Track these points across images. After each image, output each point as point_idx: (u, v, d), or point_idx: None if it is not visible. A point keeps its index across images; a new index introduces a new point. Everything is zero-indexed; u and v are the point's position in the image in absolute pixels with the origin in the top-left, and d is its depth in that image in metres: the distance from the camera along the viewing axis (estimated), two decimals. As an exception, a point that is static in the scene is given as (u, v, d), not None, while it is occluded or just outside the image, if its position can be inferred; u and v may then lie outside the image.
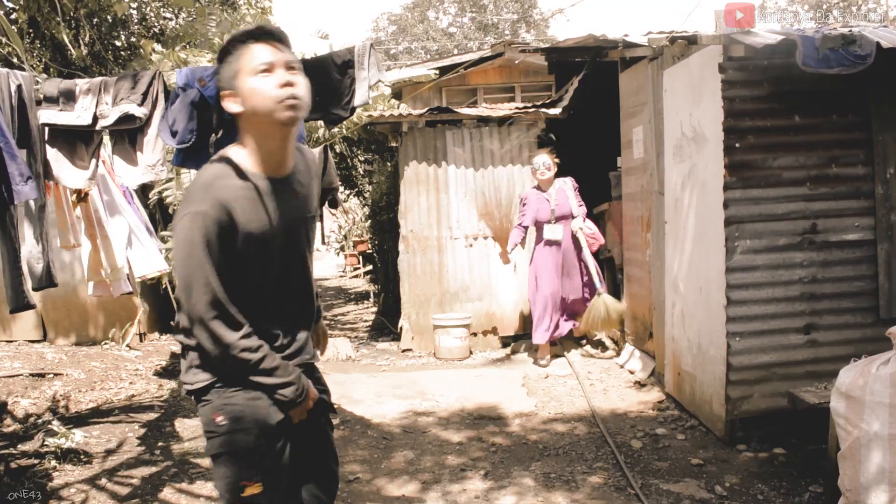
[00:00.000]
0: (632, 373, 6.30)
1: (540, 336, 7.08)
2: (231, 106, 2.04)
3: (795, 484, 3.95)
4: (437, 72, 10.47)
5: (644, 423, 5.10)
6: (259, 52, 2.00)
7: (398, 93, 11.73)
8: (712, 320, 4.60)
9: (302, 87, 2.02)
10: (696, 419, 4.98)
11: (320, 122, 7.79)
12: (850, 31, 3.96)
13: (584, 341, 7.54)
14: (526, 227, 7.14)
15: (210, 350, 2.02)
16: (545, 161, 6.99)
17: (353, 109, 3.96)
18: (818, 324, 4.46)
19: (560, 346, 7.43)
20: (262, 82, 1.98)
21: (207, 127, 3.74)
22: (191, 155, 3.79)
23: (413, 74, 8.34)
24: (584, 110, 8.08)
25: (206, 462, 4.54)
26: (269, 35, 2.03)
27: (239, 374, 2.07)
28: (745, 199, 4.40)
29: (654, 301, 5.95)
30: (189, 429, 5.33)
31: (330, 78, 3.88)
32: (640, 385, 6.02)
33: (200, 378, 2.11)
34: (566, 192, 7.07)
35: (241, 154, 2.08)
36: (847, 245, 4.47)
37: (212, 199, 1.97)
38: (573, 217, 7.02)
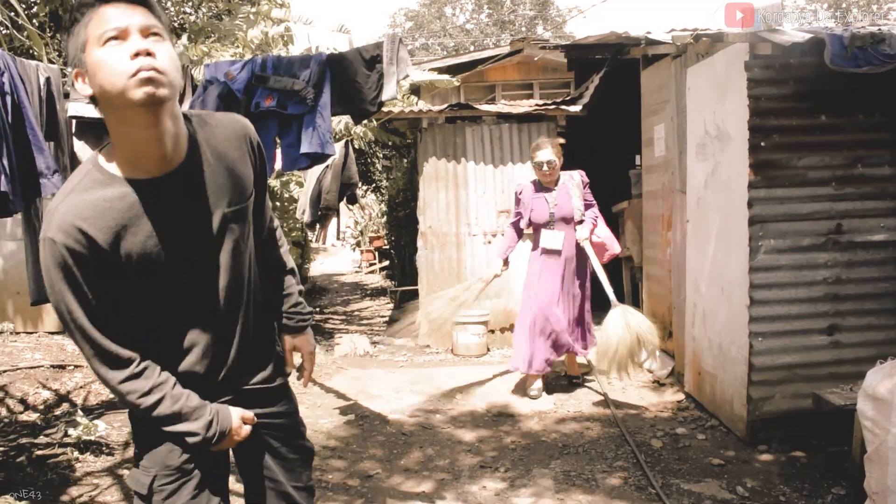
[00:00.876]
0: (651, 372, 6.27)
1: (519, 361, 5.77)
2: (81, 87, 1.59)
3: (818, 486, 3.92)
4: (458, 79, 10.48)
5: (664, 423, 5.08)
6: (108, 16, 1.54)
7: (416, 89, 11.75)
8: (734, 320, 4.57)
9: (164, 56, 1.55)
10: (716, 419, 4.96)
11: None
12: (879, 29, 3.92)
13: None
14: (520, 229, 5.86)
15: (110, 390, 1.73)
16: (550, 160, 5.56)
17: (381, 104, 3.95)
18: (841, 325, 4.43)
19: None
20: (109, 53, 1.52)
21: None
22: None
23: (433, 78, 8.33)
24: (604, 108, 8.05)
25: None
26: None
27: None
28: (769, 199, 4.37)
29: (674, 300, 5.92)
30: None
31: (358, 73, 3.88)
32: (660, 384, 6.00)
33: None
34: (569, 189, 5.67)
35: (109, 155, 1.65)
36: (872, 246, 4.43)
37: (60, 222, 1.57)
38: (578, 221, 5.67)
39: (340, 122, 8.15)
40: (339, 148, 8.22)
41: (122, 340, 1.68)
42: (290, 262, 2.16)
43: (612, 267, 7.41)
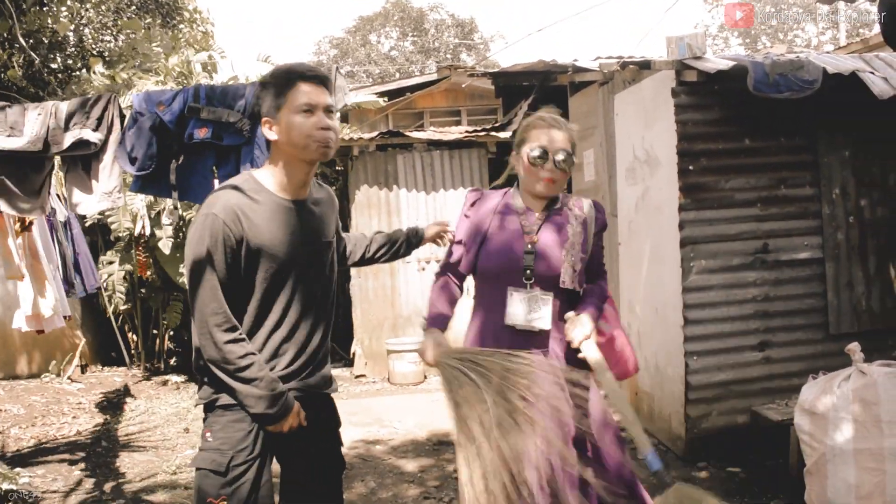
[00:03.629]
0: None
1: None
2: (268, 133, 2.19)
3: (757, 500, 4.00)
4: (385, 98, 10.48)
5: (604, 444, 5.11)
6: (305, 92, 2.14)
7: (344, 116, 11.70)
8: (669, 340, 4.66)
9: (336, 131, 2.20)
10: (655, 438, 5.02)
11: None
12: (798, 56, 4.10)
13: None
14: (457, 279, 2.83)
15: (206, 350, 2.10)
16: (563, 150, 2.66)
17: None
18: (772, 341, 4.56)
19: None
20: (303, 121, 2.13)
21: (168, 152, 3.64)
22: (150, 181, 3.68)
23: (361, 100, 8.32)
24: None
25: (159, 498, 4.39)
26: (316, 78, 2.17)
27: (223, 378, 2.12)
28: (699, 221, 4.49)
29: (608, 322, 5.99)
30: (139, 464, 5.15)
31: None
32: (597, 406, 6.03)
33: (206, 394, 2.21)
34: (571, 224, 2.70)
35: (265, 174, 2.23)
36: (797, 264, 4.59)
37: (224, 204, 2.10)
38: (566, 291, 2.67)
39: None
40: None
41: (235, 311, 2.12)
42: (371, 234, 2.89)
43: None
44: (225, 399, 2.16)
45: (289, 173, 2.21)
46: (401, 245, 2.82)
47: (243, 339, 2.12)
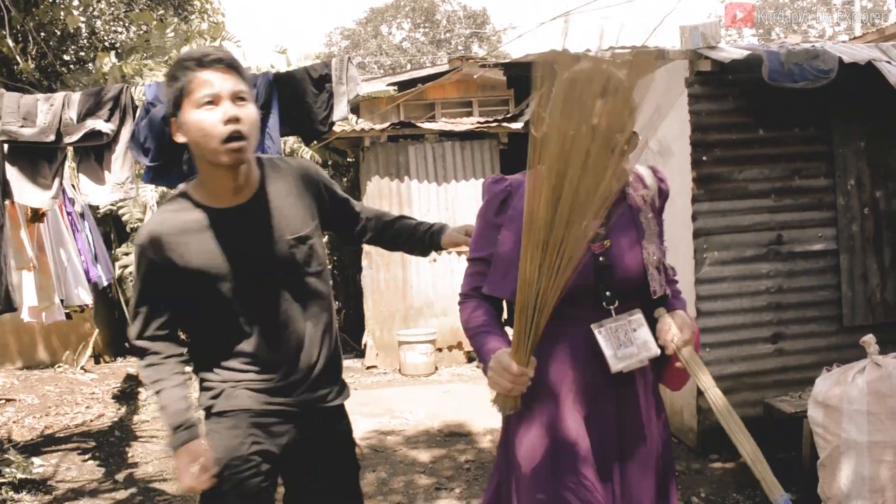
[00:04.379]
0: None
1: None
2: (177, 136, 1.90)
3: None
4: (395, 87, 10.46)
5: (615, 436, 5.10)
6: (204, 81, 1.81)
7: (355, 108, 11.68)
8: (682, 332, 4.64)
9: (248, 119, 1.83)
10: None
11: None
12: (813, 46, 4.05)
13: None
14: (487, 303, 1.97)
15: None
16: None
17: (332, 124, 3.91)
18: (785, 333, 4.54)
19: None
20: (205, 116, 1.80)
21: (180, 143, 3.65)
22: (162, 172, 3.70)
23: (372, 90, 8.31)
24: (545, 125, 8.13)
25: (172, 488, 4.42)
26: (218, 62, 1.83)
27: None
28: (712, 212, 4.46)
29: (620, 313, 5.98)
30: (151, 453, 5.18)
31: (307, 92, 3.82)
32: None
33: (202, 400, 2.06)
34: (637, 207, 1.93)
35: (196, 184, 1.96)
36: (811, 255, 4.56)
37: (148, 233, 1.90)
38: (655, 295, 1.90)
39: (286, 140, 8.06)
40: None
41: (159, 334, 1.96)
42: (395, 215, 2.39)
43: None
44: (219, 405, 1.99)
45: (213, 180, 1.91)
46: (416, 246, 2.32)
47: (160, 363, 1.96)
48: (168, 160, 3.71)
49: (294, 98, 3.82)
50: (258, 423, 1.99)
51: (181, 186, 2.02)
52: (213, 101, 1.80)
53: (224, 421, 1.99)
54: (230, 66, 1.84)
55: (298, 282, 2.01)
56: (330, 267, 13.33)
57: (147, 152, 3.73)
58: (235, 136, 1.80)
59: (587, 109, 1.60)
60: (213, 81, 1.81)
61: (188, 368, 2.01)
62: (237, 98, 1.82)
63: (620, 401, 1.87)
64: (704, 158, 4.43)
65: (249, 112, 1.84)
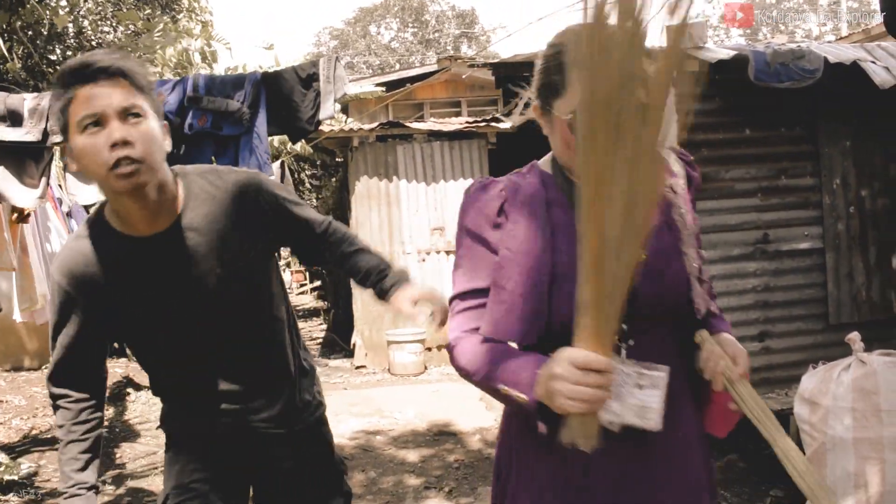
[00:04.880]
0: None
1: None
2: (70, 165, 1.64)
3: (756, 489, 4.02)
4: (384, 87, 10.47)
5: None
6: (86, 99, 1.52)
7: (344, 108, 11.68)
8: (670, 330, 4.66)
9: (142, 139, 1.53)
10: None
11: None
12: (799, 46, 4.08)
13: None
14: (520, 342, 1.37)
15: None
16: None
17: (319, 123, 3.91)
18: (771, 331, 4.57)
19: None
20: (89, 141, 1.51)
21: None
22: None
23: (360, 91, 8.33)
24: (534, 125, 8.15)
25: (160, 488, 4.41)
26: (101, 72, 1.53)
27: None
28: (699, 211, 4.40)
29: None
30: (140, 454, 5.17)
31: (294, 92, 3.82)
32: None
33: (161, 417, 1.98)
34: (674, 204, 1.47)
35: (109, 210, 1.70)
36: (797, 254, 4.59)
37: (60, 263, 1.71)
38: (700, 315, 1.41)
39: (274, 139, 8.06)
40: (275, 168, 8.12)
41: (73, 375, 1.79)
42: (359, 245, 2.01)
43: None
44: (168, 428, 1.95)
45: (122, 208, 1.65)
46: (365, 290, 1.97)
47: (71, 411, 1.77)
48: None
49: (281, 97, 3.83)
50: (205, 448, 1.90)
51: (95, 209, 1.76)
52: (99, 121, 1.52)
53: (174, 448, 1.93)
54: (118, 74, 1.55)
55: (232, 314, 1.79)
56: (318, 267, 13.29)
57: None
58: (124, 162, 1.51)
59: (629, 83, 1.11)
60: (97, 98, 1.52)
61: (97, 415, 1.81)
62: (128, 114, 1.53)
63: (635, 459, 1.37)
64: (692, 158, 4.45)
65: (144, 129, 1.55)
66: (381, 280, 1.91)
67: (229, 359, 1.84)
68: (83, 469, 1.75)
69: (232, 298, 1.78)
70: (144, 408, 6.54)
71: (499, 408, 5.28)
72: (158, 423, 1.98)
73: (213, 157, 3.64)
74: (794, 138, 4.57)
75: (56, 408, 1.79)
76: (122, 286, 1.70)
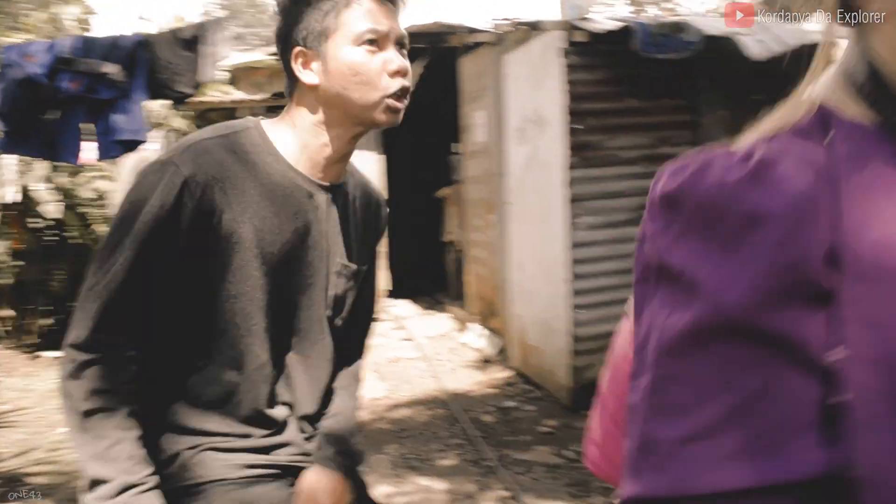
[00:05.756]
0: (479, 351, 6.45)
1: None
2: (302, 73, 1.34)
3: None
4: (275, 57, 10.20)
5: (494, 398, 5.24)
6: (369, 13, 1.31)
7: (232, 79, 11.32)
8: (557, 295, 4.79)
9: (409, 78, 1.36)
10: (543, 390, 5.18)
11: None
12: (683, 19, 4.25)
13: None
14: None
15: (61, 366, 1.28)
16: None
17: (198, 86, 3.76)
18: (652, 294, 4.76)
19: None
20: (366, 59, 1.30)
21: (39, 108, 3.42)
22: (20, 140, 3.45)
23: (250, 59, 8.09)
24: (425, 95, 8.15)
25: (39, 479, 4.21)
26: None
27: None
28: (585, 179, 4.61)
29: (498, 280, 6.11)
30: (14, 443, 4.91)
31: (175, 54, 3.67)
32: (488, 362, 6.18)
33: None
34: None
35: (281, 132, 1.37)
36: (677, 220, 4.79)
37: (197, 159, 1.26)
38: None
39: (156, 112, 7.73)
40: (161, 138, 7.79)
41: (132, 325, 1.29)
42: (356, 381, 1.61)
43: (435, 252, 7.49)
44: (175, 480, 1.34)
45: (322, 140, 1.36)
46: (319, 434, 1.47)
47: (114, 367, 1.25)
48: (26, 126, 3.48)
49: (161, 60, 3.67)
50: (234, 499, 1.33)
51: (253, 123, 1.38)
52: (378, 41, 1.31)
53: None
54: (395, 1, 1.36)
55: (321, 312, 1.45)
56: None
57: (4, 118, 3.48)
58: (402, 93, 1.33)
59: None
60: (385, 16, 1.33)
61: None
62: (402, 46, 1.36)
63: None
64: (579, 127, 4.57)
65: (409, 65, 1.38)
66: (325, 441, 1.45)
67: (308, 376, 1.45)
68: (146, 460, 1.27)
69: (350, 302, 1.49)
70: (17, 394, 6.18)
71: (392, 378, 5.26)
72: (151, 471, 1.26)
73: (83, 124, 3.46)
74: (676, 108, 4.76)
75: (90, 365, 1.23)
76: (264, 220, 1.32)
